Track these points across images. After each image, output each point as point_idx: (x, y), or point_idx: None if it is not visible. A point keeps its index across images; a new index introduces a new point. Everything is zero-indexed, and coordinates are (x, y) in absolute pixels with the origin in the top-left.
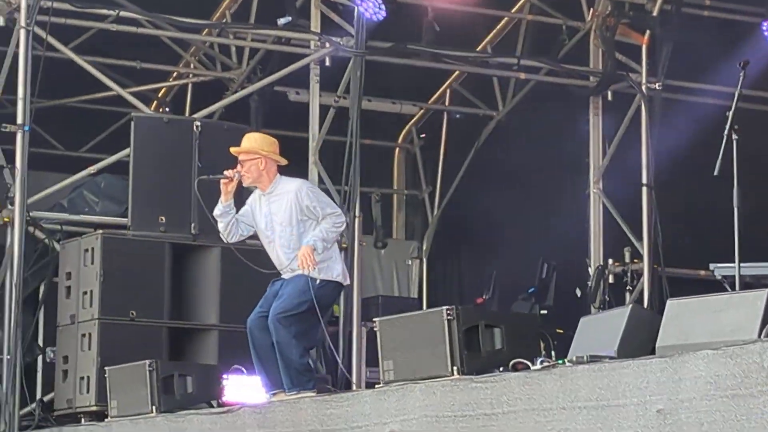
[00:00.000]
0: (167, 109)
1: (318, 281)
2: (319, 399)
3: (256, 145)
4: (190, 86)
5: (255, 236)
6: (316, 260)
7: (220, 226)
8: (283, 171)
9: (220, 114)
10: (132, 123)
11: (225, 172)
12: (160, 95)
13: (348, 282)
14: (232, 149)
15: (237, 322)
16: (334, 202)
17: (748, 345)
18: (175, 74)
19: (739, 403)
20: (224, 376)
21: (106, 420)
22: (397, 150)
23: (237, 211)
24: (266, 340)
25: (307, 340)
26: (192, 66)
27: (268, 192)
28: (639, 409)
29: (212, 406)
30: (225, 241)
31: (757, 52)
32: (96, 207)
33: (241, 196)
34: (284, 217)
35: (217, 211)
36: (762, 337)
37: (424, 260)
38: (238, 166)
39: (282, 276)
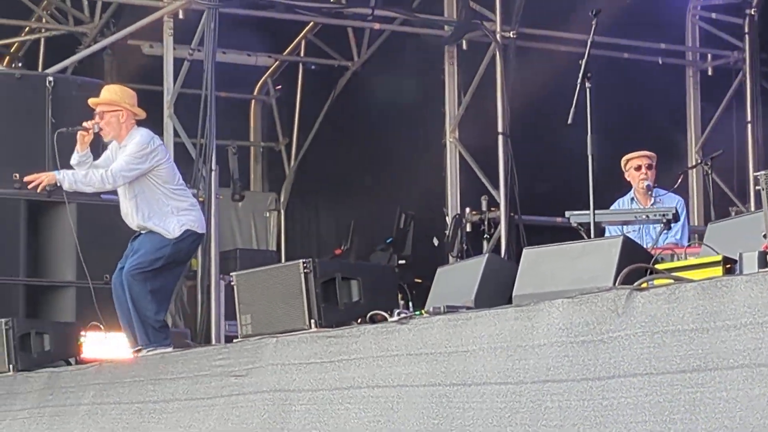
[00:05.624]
0: (20, 65)
1: (174, 237)
2: (175, 354)
3: (116, 97)
4: (42, 41)
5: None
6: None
7: None
8: (139, 125)
9: (74, 69)
10: None
11: (84, 124)
12: (12, 50)
13: (205, 231)
14: (91, 100)
15: (94, 279)
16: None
17: (603, 293)
18: (27, 29)
19: (588, 348)
20: (82, 333)
21: None
22: (253, 102)
23: (95, 159)
24: (126, 296)
25: (163, 296)
26: (44, 20)
27: (122, 144)
28: (488, 354)
29: (70, 364)
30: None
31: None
32: None
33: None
34: None
35: (73, 161)
36: (617, 284)
37: (282, 212)
38: (97, 118)
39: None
